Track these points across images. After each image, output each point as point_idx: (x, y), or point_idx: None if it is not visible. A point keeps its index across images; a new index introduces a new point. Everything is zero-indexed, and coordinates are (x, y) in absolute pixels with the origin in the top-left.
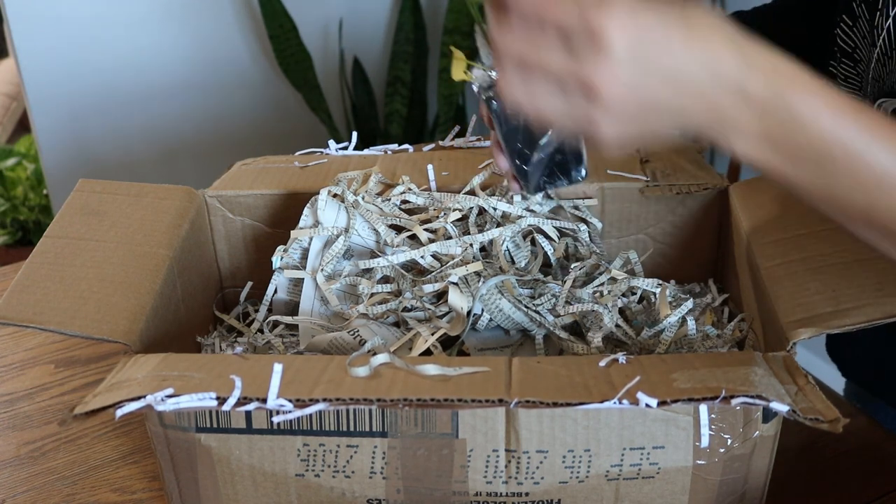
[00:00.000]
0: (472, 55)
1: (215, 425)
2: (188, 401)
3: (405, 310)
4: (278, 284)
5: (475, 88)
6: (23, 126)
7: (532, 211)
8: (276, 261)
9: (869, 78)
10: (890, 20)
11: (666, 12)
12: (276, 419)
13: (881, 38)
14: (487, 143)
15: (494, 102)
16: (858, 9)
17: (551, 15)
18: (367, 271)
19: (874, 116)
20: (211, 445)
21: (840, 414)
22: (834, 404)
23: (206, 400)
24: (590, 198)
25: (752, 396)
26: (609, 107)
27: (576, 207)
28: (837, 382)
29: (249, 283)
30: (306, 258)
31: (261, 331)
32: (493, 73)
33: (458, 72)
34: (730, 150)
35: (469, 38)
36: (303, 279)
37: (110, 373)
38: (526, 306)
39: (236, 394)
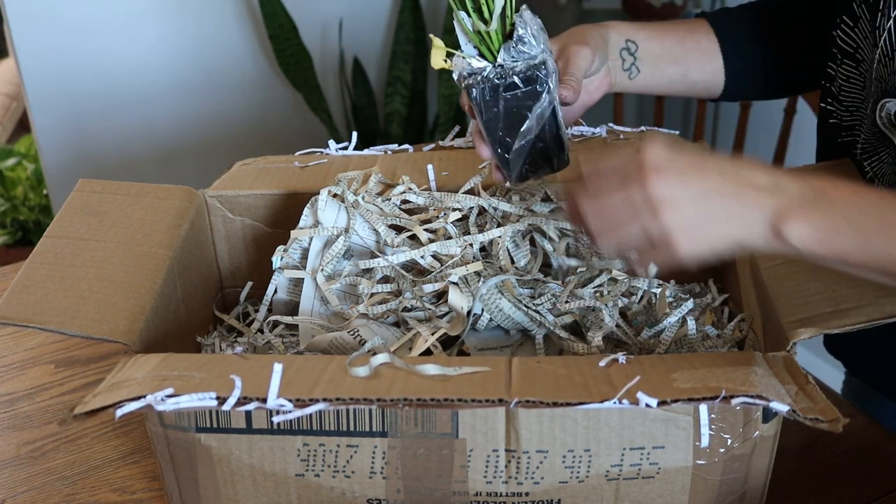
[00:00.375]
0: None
1: (215, 425)
2: (188, 401)
3: (405, 310)
4: (278, 284)
5: (455, 76)
6: (23, 126)
7: (532, 211)
8: (276, 261)
9: (872, 78)
10: (891, 21)
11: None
12: (276, 419)
13: (882, 38)
14: None
15: (474, 90)
16: (859, 9)
17: (614, 190)
18: (367, 271)
19: (887, 191)
20: (211, 445)
21: (840, 414)
22: (834, 404)
23: (206, 400)
24: None
25: (752, 396)
26: (678, 230)
27: None
28: (837, 382)
29: (249, 283)
30: (306, 258)
31: (261, 331)
32: (473, 61)
33: (437, 60)
34: (784, 242)
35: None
36: (303, 279)
37: (110, 373)
38: (526, 306)
39: (236, 394)
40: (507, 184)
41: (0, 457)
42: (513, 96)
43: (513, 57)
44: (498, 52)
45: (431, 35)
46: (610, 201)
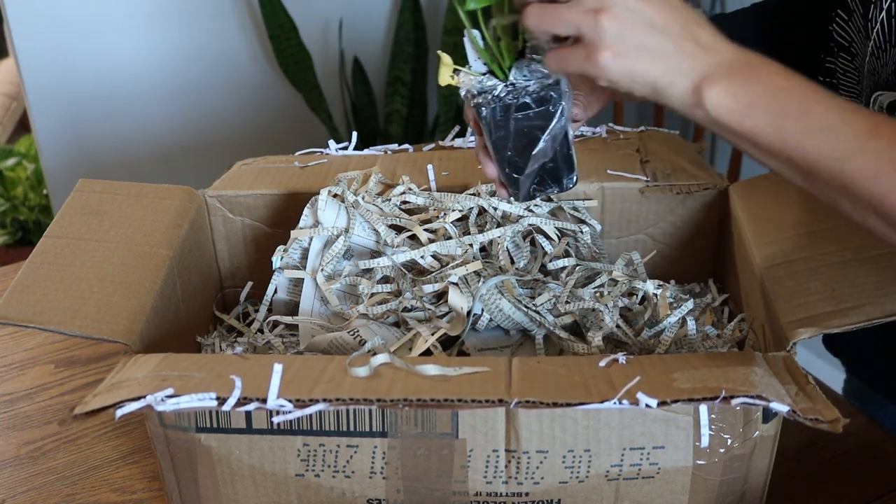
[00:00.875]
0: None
1: (215, 425)
2: (188, 401)
3: (405, 310)
4: (278, 284)
5: (462, 93)
6: (23, 126)
7: (532, 211)
8: (276, 261)
9: (865, 71)
10: (883, 13)
11: None
12: (276, 419)
13: (875, 31)
14: None
15: (484, 109)
16: (853, 3)
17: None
18: (367, 271)
19: (817, 85)
20: (211, 445)
21: (840, 414)
22: (834, 404)
23: (206, 400)
24: (589, 199)
25: (752, 396)
26: (611, 41)
27: (575, 209)
28: (837, 382)
29: (249, 283)
30: (306, 258)
31: (261, 331)
32: (482, 79)
33: (444, 77)
34: (700, 106)
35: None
36: (303, 279)
37: (110, 373)
38: (526, 306)
39: (236, 394)
40: (512, 199)
41: (0, 457)
42: (524, 116)
43: (525, 76)
44: (510, 71)
45: (440, 52)
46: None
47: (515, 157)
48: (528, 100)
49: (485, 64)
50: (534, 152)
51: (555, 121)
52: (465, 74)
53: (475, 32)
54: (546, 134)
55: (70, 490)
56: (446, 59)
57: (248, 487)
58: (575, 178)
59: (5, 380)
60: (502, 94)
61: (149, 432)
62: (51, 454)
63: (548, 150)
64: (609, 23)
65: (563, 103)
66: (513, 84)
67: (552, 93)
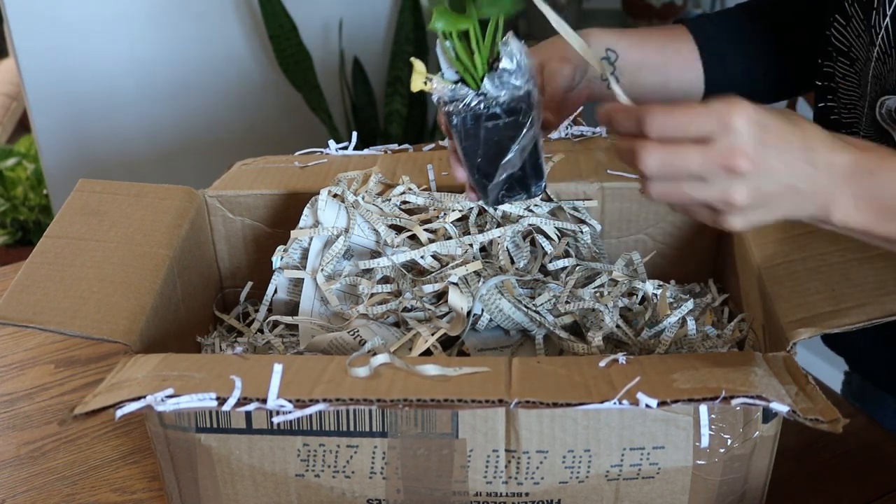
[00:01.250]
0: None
1: (215, 425)
2: (188, 401)
3: (405, 310)
4: (278, 284)
5: (434, 99)
6: (23, 126)
7: (532, 211)
8: (276, 261)
9: (869, 76)
10: (888, 19)
11: (774, 125)
12: (276, 419)
13: (880, 36)
14: None
15: (455, 117)
16: (851, 8)
17: (689, 128)
18: (367, 271)
19: None
20: (211, 445)
21: (840, 414)
22: (834, 404)
23: (206, 400)
24: (589, 199)
25: (752, 397)
26: (741, 211)
27: (575, 209)
28: (837, 382)
29: (249, 283)
30: (306, 258)
31: (261, 331)
32: (454, 87)
33: (417, 83)
34: (830, 222)
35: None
36: (303, 279)
37: (110, 373)
38: (526, 306)
39: (236, 394)
40: (481, 203)
41: (0, 457)
42: (494, 126)
43: (497, 86)
44: (482, 81)
45: (413, 59)
46: (679, 162)
47: (485, 164)
48: (498, 110)
49: (457, 73)
50: (503, 161)
51: (524, 131)
52: (438, 81)
53: (448, 44)
54: (515, 144)
55: (70, 490)
56: (419, 66)
57: (248, 487)
58: (543, 185)
59: (5, 380)
60: (473, 104)
61: (149, 432)
62: (51, 454)
63: (517, 159)
64: (740, 200)
65: (534, 113)
66: (484, 94)
67: (523, 104)
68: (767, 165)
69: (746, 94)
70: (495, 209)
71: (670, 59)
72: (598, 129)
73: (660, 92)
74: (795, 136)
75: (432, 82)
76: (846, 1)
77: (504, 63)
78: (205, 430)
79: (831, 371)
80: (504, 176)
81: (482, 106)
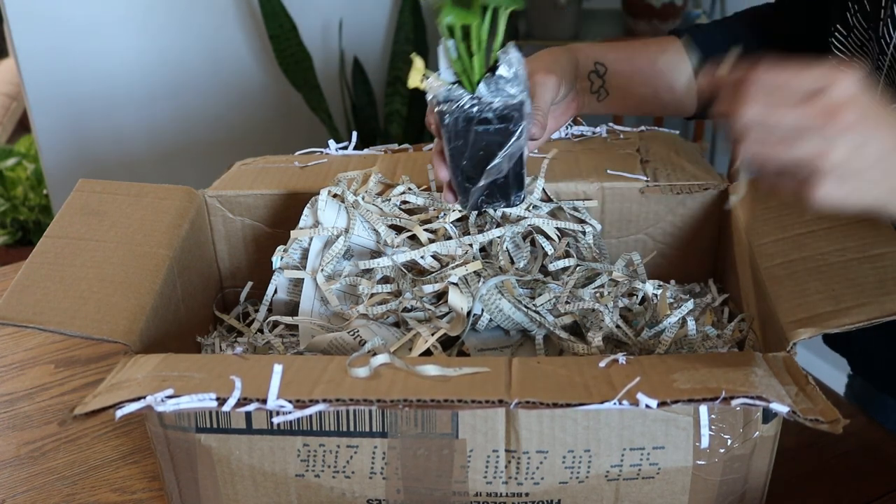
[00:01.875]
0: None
1: (215, 425)
2: (188, 401)
3: (405, 310)
4: (278, 284)
5: (428, 98)
6: (23, 126)
7: (532, 211)
8: (276, 261)
9: (880, 85)
10: None
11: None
12: (276, 420)
13: (892, 45)
14: None
15: (447, 117)
16: (853, 19)
17: (795, 83)
18: (367, 271)
19: None
20: (211, 445)
21: (840, 415)
22: (834, 405)
23: (206, 400)
24: (590, 199)
25: (752, 397)
26: (834, 172)
27: (575, 209)
28: (838, 382)
29: (249, 283)
30: (306, 258)
31: (261, 331)
32: (450, 87)
33: (414, 79)
34: None
35: (468, 38)
36: (303, 279)
37: (110, 373)
38: (526, 306)
39: (236, 394)
40: (458, 206)
41: (0, 457)
42: (484, 131)
43: (492, 92)
44: (478, 84)
45: (413, 55)
46: (780, 115)
47: (470, 167)
48: (490, 115)
49: (455, 74)
50: (488, 167)
51: (513, 139)
52: (435, 79)
53: (451, 43)
54: (503, 151)
55: (70, 490)
56: (418, 62)
57: (248, 488)
58: (523, 196)
59: (5, 380)
60: (466, 106)
61: (149, 432)
62: (51, 454)
63: (502, 166)
64: (835, 160)
65: (524, 124)
66: (479, 98)
67: (515, 112)
68: (871, 129)
69: None
70: (479, 212)
71: (661, 72)
72: (598, 130)
73: (651, 103)
74: (888, 112)
75: (429, 80)
76: (848, 11)
77: (502, 70)
78: (205, 431)
79: (832, 371)
80: (487, 181)
81: (475, 109)
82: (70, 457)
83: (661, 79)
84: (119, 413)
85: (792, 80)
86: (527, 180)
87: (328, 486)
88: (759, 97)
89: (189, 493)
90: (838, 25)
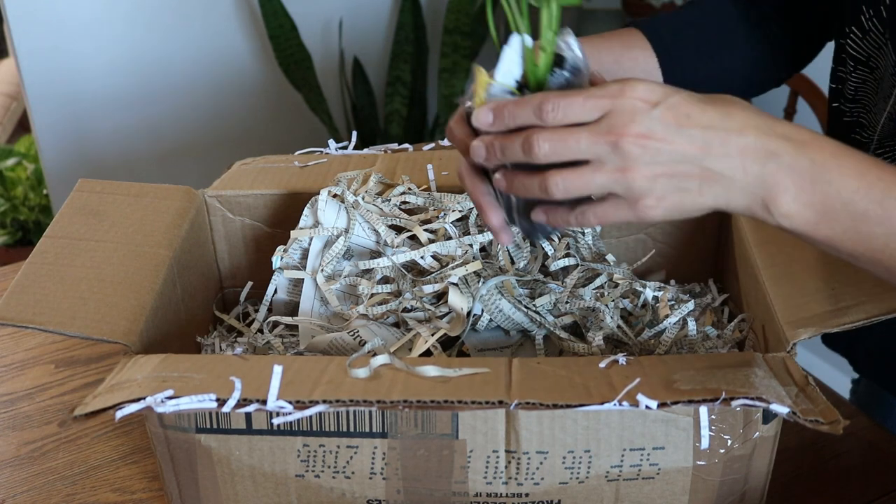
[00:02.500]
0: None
1: (215, 426)
2: (188, 402)
3: (405, 310)
4: (278, 284)
5: (469, 107)
6: (23, 126)
7: None
8: (276, 261)
9: (890, 80)
10: None
11: (677, 104)
12: (276, 420)
13: None
14: None
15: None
16: (869, 23)
17: (586, 109)
18: (367, 271)
19: (891, 173)
20: (211, 446)
21: (840, 416)
22: (834, 405)
23: (205, 401)
24: None
25: (752, 398)
26: (648, 191)
27: None
28: (838, 382)
29: (249, 283)
30: (306, 258)
31: (261, 331)
32: (512, 92)
33: (480, 95)
34: (771, 217)
35: (468, 38)
36: (303, 279)
37: (110, 373)
38: (526, 306)
39: (236, 395)
40: (517, 241)
41: (0, 457)
42: None
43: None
44: (544, 83)
45: (476, 65)
46: (570, 138)
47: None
48: None
49: (517, 81)
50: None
51: None
52: (499, 88)
53: (527, 38)
54: None
55: (70, 490)
56: (483, 75)
57: (248, 488)
58: None
59: (5, 380)
60: None
61: (149, 433)
62: (51, 454)
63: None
64: (638, 176)
65: None
66: None
67: None
68: (666, 143)
69: (705, 82)
70: (539, 242)
71: (628, 70)
72: None
73: None
74: (720, 119)
75: (493, 89)
76: (863, 15)
77: (569, 60)
78: (205, 431)
79: (832, 371)
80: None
81: None
82: (70, 457)
83: (627, 75)
84: (119, 414)
85: (579, 105)
86: None
87: (328, 486)
88: (549, 130)
89: (189, 493)
90: (853, 28)
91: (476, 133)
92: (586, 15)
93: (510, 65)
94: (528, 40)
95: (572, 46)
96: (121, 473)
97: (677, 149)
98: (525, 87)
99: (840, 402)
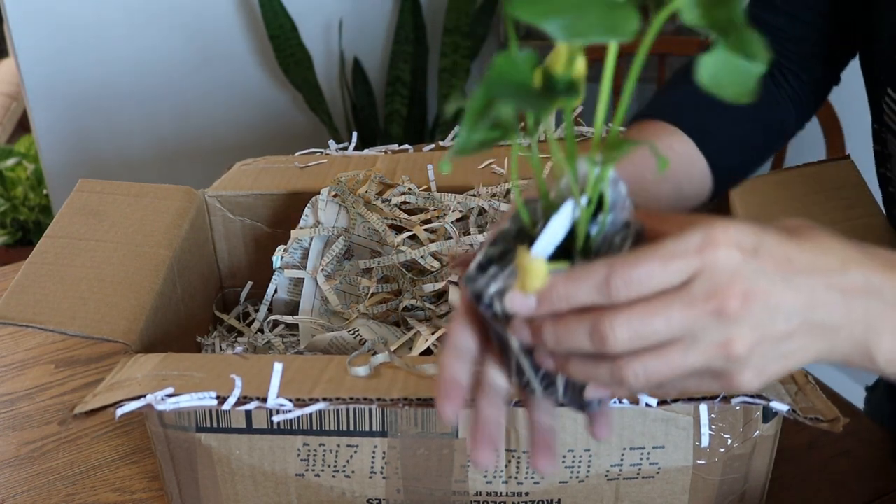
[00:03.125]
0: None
1: (215, 425)
2: (188, 400)
3: (405, 309)
4: (278, 284)
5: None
6: (23, 126)
7: None
8: (277, 260)
9: None
10: None
11: (773, 247)
12: (276, 418)
13: None
14: None
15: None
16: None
17: (665, 278)
18: (367, 271)
19: None
20: (211, 445)
21: (839, 413)
22: (834, 403)
23: (206, 399)
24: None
25: (751, 396)
26: (748, 362)
27: None
28: (837, 382)
29: (249, 283)
30: (306, 258)
31: (261, 330)
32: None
33: (534, 282)
34: (873, 364)
35: (468, 38)
36: (303, 279)
37: (110, 373)
38: None
39: (236, 393)
40: (546, 406)
41: (0, 457)
42: None
43: (599, 246)
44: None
45: (526, 256)
46: (657, 317)
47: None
48: None
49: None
50: None
51: None
52: (547, 268)
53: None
54: None
55: (70, 490)
56: (539, 263)
57: (249, 487)
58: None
59: (5, 380)
60: None
61: (149, 432)
62: (51, 454)
63: None
64: (739, 347)
65: None
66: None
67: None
68: (772, 299)
69: (746, 151)
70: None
71: (672, 161)
72: None
73: (677, 198)
74: (810, 256)
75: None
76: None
77: (614, 208)
78: (205, 430)
79: (832, 371)
80: None
81: None
82: (70, 457)
83: (674, 178)
84: (119, 412)
85: (656, 273)
86: None
87: (328, 485)
88: (624, 311)
89: (189, 492)
90: (889, 89)
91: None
92: None
93: (553, 235)
94: (581, 204)
95: (618, 190)
96: (121, 473)
97: (783, 304)
98: (568, 251)
99: (840, 401)
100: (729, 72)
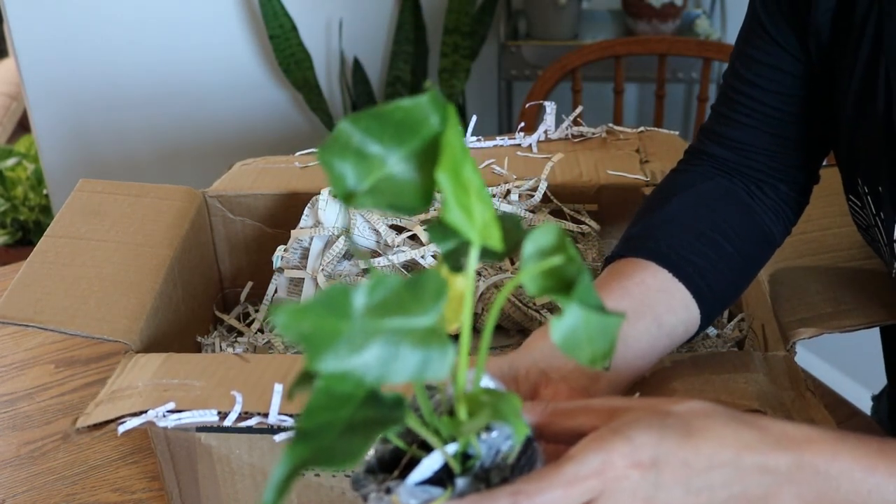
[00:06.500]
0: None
1: (215, 425)
2: (189, 417)
3: None
4: (279, 284)
5: None
6: (23, 126)
7: (532, 211)
8: (277, 261)
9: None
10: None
11: (671, 455)
12: (277, 437)
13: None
14: (488, 143)
15: None
16: (865, 198)
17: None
18: (367, 271)
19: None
20: (211, 445)
21: (834, 421)
22: (834, 404)
23: (207, 416)
24: (589, 200)
25: (750, 411)
26: None
27: (575, 210)
28: (838, 382)
29: (250, 284)
30: (307, 258)
31: (261, 330)
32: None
33: None
34: None
35: (468, 38)
36: (303, 279)
37: (111, 374)
38: (526, 305)
39: (237, 409)
40: None
41: (0, 457)
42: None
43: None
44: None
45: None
46: None
47: None
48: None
49: (436, 473)
50: None
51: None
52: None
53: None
54: None
55: (70, 490)
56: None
57: (249, 487)
58: None
59: (5, 380)
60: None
61: (149, 432)
62: (51, 454)
63: None
64: None
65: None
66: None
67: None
68: (669, 486)
69: (729, 270)
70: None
71: (652, 302)
72: (597, 130)
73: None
74: (707, 454)
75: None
76: (859, 188)
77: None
78: (205, 430)
79: (832, 371)
80: None
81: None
82: (70, 457)
83: (650, 312)
84: (121, 429)
85: (561, 499)
86: None
87: (328, 485)
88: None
89: (189, 492)
90: (850, 196)
91: None
92: (586, 15)
93: (424, 472)
94: (451, 449)
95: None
96: (121, 473)
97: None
98: (448, 478)
99: (840, 403)
100: (586, 328)
